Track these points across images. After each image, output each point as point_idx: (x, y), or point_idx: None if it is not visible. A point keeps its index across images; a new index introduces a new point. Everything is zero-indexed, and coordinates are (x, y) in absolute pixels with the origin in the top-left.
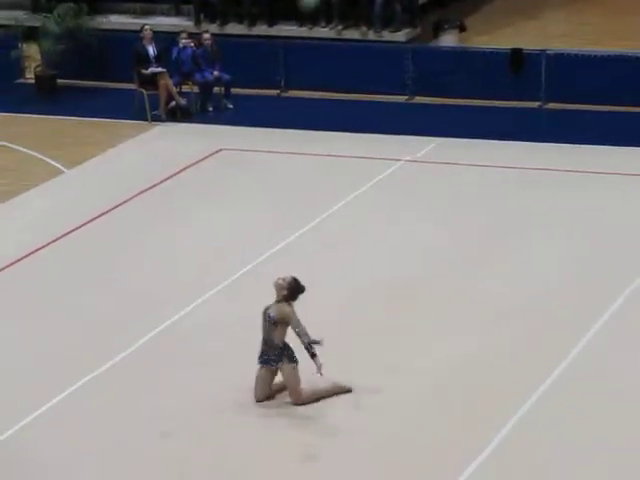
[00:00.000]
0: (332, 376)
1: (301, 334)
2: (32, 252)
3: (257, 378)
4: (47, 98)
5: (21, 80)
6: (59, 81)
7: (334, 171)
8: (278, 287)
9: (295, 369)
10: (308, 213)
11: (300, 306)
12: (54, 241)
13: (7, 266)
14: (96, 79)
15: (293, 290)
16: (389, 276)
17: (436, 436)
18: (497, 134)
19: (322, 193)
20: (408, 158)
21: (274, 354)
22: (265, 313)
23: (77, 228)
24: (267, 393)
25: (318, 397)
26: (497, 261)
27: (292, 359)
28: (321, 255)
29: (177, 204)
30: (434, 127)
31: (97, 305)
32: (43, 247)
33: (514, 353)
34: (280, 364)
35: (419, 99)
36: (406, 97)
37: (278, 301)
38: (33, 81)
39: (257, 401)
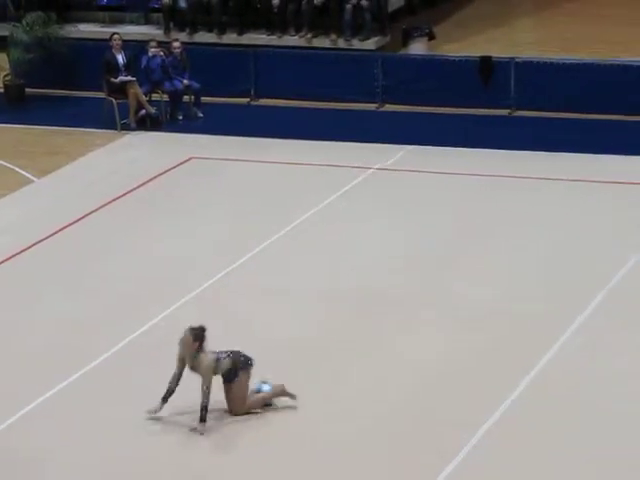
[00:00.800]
0: (306, 382)
1: (205, 394)
2: (5, 260)
3: (224, 393)
4: (16, 107)
5: None
6: (28, 90)
7: (304, 179)
8: (187, 343)
9: (249, 377)
10: (278, 222)
11: (271, 315)
12: (27, 248)
13: None
14: (65, 88)
15: (203, 339)
16: (359, 283)
17: (410, 441)
18: (467, 142)
19: (292, 201)
20: (378, 166)
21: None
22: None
23: (49, 236)
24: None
25: (257, 406)
26: (467, 266)
27: (247, 365)
28: (291, 263)
29: (147, 213)
30: (404, 135)
31: (72, 310)
32: (16, 254)
33: (487, 358)
34: (237, 378)
35: (389, 107)
36: (376, 105)
37: (196, 352)
38: (2, 90)
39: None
